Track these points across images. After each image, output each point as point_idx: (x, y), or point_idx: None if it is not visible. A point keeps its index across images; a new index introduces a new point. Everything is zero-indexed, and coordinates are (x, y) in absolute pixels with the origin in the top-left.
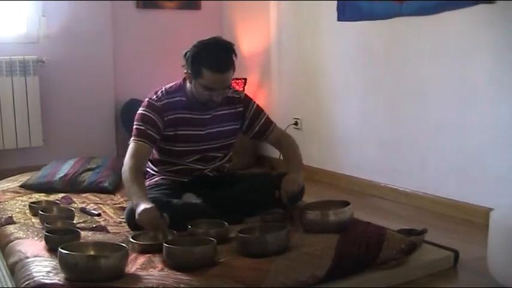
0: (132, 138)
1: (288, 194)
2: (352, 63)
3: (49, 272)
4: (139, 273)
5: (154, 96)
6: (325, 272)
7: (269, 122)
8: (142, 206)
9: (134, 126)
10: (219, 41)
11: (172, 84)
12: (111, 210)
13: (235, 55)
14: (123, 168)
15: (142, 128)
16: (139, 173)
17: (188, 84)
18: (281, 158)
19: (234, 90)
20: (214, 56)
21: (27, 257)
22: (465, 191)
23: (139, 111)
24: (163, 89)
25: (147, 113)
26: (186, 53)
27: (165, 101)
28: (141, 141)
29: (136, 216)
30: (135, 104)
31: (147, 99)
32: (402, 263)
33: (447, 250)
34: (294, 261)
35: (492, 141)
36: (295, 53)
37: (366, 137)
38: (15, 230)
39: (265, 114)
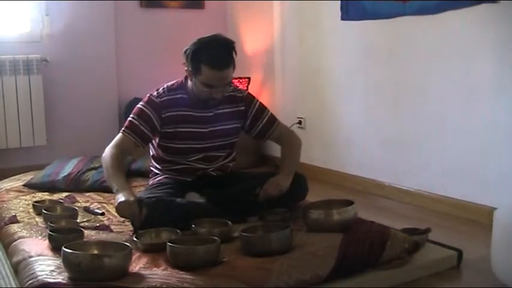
0: (122, 129)
1: (266, 195)
2: (355, 63)
3: (53, 271)
4: (143, 272)
5: (155, 93)
6: (329, 272)
7: (272, 120)
8: (124, 197)
9: (128, 118)
10: (218, 38)
11: (174, 81)
12: (115, 209)
13: (235, 52)
14: (103, 154)
15: (136, 122)
16: (121, 162)
17: (189, 82)
18: None
19: (237, 88)
20: (214, 53)
21: (31, 256)
22: (469, 190)
23: (137, 105)
24: (165, 86)
25: (145, 109)
26: (186, 50)
27: (165, 98)
28: (130, 135)
29: (116, 204)
30: (138, 103)
31: (148, 94)
32: (406, 262)
33: (451, 249)
34: (297, 261)
35: (496, 140)
36: (298, 52)
37: (370, 137)
38: (19, 229)
39: (268, 112)
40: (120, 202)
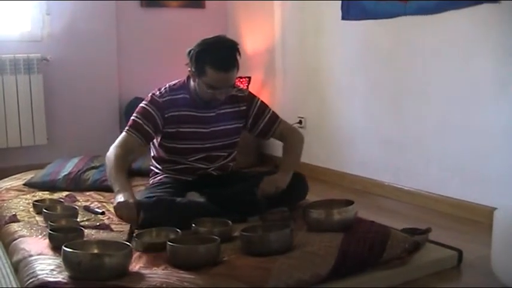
0: (126, 128)
1: (262, 193)
2: (356, 63)
3: (53, 270)
4: (143, 271)
5: (158, 92)
6: (329, 271)
7: (274, 119)
8: (124, 198)
9: (131, 118)
10: (223, 40)
11: (176, 81)
12: (113, 208)
13: (240, 54)
14: (108, 153)
15: (139, 121)
16: (125, 162)
17: (192, 82)
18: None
19: (238, 88)
20: (219, 54)
21: (31, 255)
22: (469, 190)
23: (140, 105)
24: (167, 85)
25: (148, 108)
26: (190, 51)
27: (168, 97)
28: (134, 134)
29: (115, 203)
30: (138, 102)
31: (150, 94)
32: (406, 262)
33: (451, 249)
34: (297, 261)
35: (496, 140)
36: (299, 52)
37: (370, 136)
38: (19, 228)
39: (269, 110)
40: (119, 203)
